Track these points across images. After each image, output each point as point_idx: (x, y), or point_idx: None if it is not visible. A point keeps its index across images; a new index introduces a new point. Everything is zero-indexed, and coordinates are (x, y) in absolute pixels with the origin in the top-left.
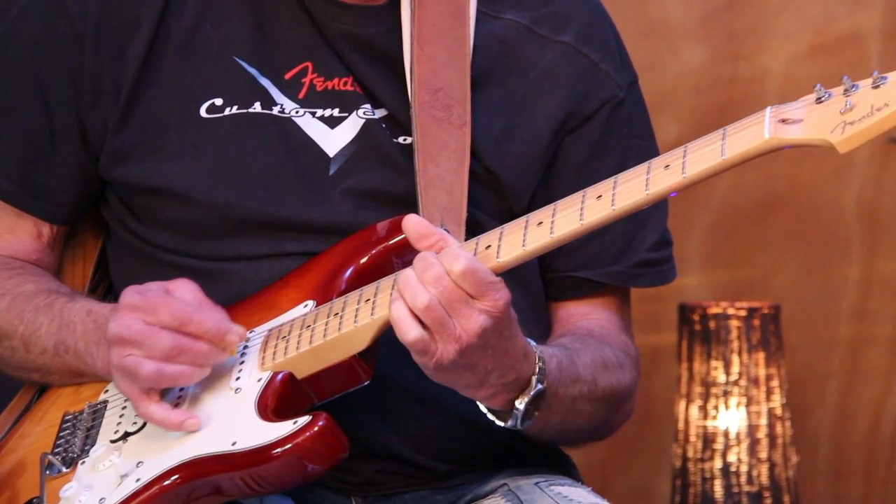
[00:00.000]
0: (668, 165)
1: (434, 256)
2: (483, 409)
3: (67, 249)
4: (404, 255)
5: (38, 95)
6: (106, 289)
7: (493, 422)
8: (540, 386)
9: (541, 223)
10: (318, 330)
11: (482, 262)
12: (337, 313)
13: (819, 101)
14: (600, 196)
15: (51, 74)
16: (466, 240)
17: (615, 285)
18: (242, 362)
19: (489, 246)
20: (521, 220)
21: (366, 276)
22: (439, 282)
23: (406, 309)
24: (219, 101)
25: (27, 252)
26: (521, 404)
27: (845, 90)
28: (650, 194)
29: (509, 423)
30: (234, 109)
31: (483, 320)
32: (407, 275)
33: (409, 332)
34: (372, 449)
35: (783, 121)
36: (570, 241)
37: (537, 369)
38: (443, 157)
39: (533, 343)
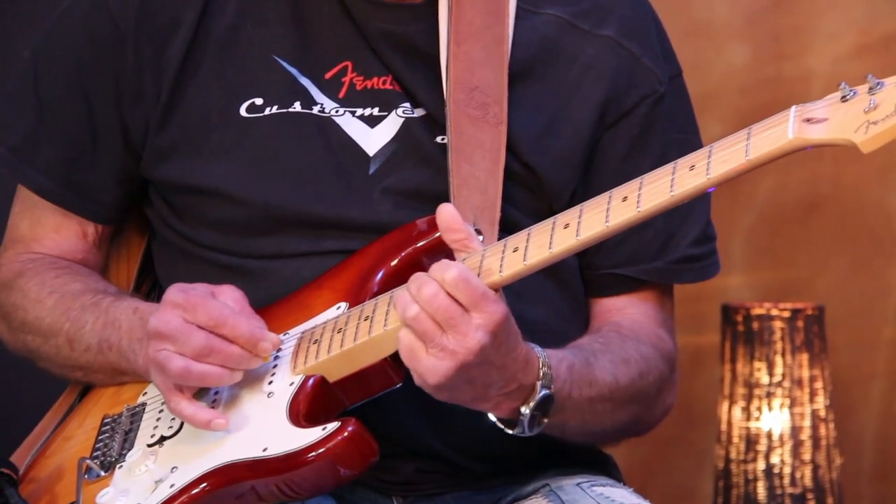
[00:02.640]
0: (693, 166)
1: (427, 275)
2: (492, 418)
3: (112, 248)
4: (434, 256)
5: (81, 95)
6: (150, 287)
7: (503, 430)
8: (545, 391)
9: (567, 225)
10: (349, 333)
11: (508, 270)
12: (367, 317)
13: (844, 99)
14: (626, 198)
15: (93, 74)
16: (499, 239)
17: (656, 282)
18: (276, 366)
19: (517, 248)
20: (548, 222)
21: (397, 278)
22: (435, 298)
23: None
24: (259, 101)
25: (73, 252)
26: (526, 410)
27: (870, 88)
28: (675, 195)
29: (517, 430)
30: (275, 109)
31: (480, 337)
32: (400, 290)
33: (400, 338)
34: (411, 448)
35: (808, 120)
36: (597, 243)
37: (541, 374)
38: (477, 156)
39: (537, 349)
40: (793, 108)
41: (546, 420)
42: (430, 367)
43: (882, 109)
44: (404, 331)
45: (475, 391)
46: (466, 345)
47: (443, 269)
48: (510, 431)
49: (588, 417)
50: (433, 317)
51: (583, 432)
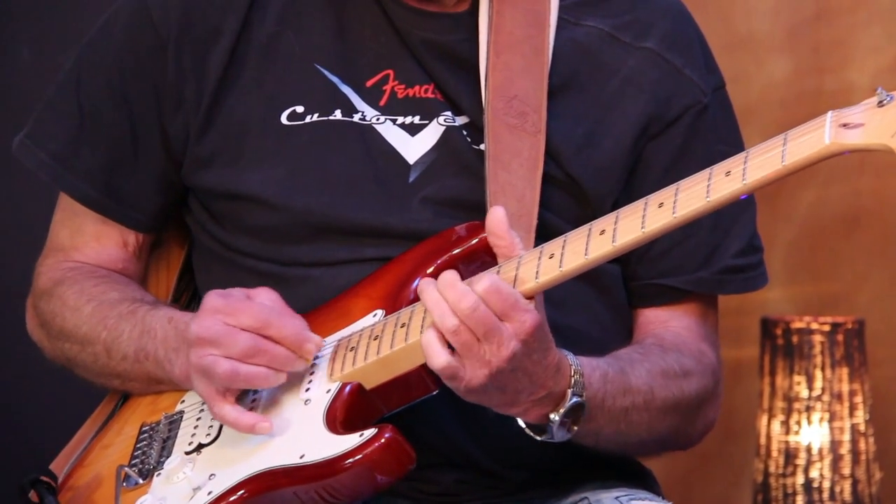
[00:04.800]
0: (729, 172)
1: (464, 283)
2: (521, 423)
3: (152, 258)
4: (470, 263)
5: (122, 103)
6: (189, 297)
7: (532, 436)
8: (576, 399)
9: (603, 232)
10: (386, 340)
11: (542, 277)
12: (404, 324)
13: (881, 104)
14: (662, 204)
15: (134, 82)
16: (535, 247)
17: (699, 292)
18: (312, 373)
19: (552, 255)
20: (584, 229)
21: None
22: (475, 311)
23: (436, 335)
24: (300, 109)
25: (113, 261)
26: (555, 416)
27: None
28: (711, 201)
29: (545, 436)
30: (315, 117)
31: (513, 346)
32: (434, 297)
33: (437, 358)
34: (451, 459)
35: (844, 125)
36: (633, 249)
37: (572, 382)
38: (515, 163)
39: (570, 357)
40: (829, 114)
41: (576, 427)
42: (464, 374)
43: None
44: (431, 336)
45: (505, 397)
46: (500, 354)
47: (474, 281)
48: (539, 438)
49: (623, 427)
50: (473, 329)
51: (617, 442)
